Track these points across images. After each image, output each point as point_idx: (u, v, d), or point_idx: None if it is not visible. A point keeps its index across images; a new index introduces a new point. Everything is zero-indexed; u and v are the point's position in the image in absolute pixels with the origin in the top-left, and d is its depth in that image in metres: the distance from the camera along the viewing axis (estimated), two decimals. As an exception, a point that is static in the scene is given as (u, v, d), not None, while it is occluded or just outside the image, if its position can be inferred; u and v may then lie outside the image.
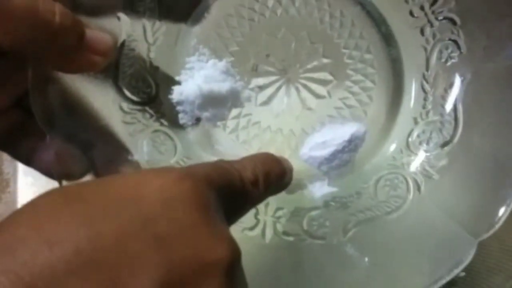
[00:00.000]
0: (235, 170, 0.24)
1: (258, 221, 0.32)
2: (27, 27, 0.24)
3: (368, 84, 0.35)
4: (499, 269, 0.36)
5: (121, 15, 0.32)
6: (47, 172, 0.29)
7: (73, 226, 0.17)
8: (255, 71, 0.35)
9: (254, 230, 0.32)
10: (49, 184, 0.29)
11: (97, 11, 0.31)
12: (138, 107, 0.33)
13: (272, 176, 0.27)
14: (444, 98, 0.34)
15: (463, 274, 0.35)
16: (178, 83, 0.34)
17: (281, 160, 0.29)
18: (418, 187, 0.33)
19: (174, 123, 0.33)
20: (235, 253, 0.19)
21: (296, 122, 0.35)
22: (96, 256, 0.16)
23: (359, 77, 0.35)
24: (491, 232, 0.29)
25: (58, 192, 0.19)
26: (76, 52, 0.26)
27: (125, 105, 0.32)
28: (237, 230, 0.32)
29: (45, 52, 0.25)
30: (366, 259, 0.31)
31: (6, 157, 0.47)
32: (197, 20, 0.35)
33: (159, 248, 0.17)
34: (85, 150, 0.30)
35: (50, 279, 0.15)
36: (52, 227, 0.17)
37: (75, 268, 0.16)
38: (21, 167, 0.46)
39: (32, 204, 0.18)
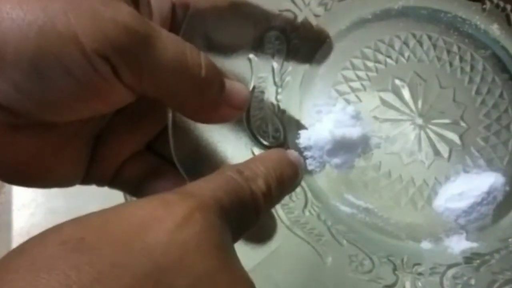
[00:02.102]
0: (245, 182, 0.22)
1: (397, 277, 0.30)
2: (174, 80, 0.23)
3: (504, 132, 0.33)
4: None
5: (252, 56, 0.31)
6: None
7: (82, 284, 0.15)
8: (383, 117, 0.33)
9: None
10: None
11: (230, 53, 0.30)
12: (268, 152, 0.31)
13: (285, 181, 0.25)
14: None
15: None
16: (305, 127, 0.32)
17: (294, 158, 0.27)
18: None
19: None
20: None
21: (428, 172, 0.33)
22: None
23: (493, 124, 0.33)
24: None
25: (54, 236, 0.17)
26: (215, 106, 0.25)
27: (256, 150, 0.31)
28: (378, 287, 0.30)
29: (186, 104, 0.24)
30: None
31: None
32: (322, 62, 0.34)
33: None
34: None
35: None
36: (57, 286, 0.15)
37: None
38: None
39: (28, 254, 0.16)
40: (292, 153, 0.27)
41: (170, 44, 0.23)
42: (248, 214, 0.22)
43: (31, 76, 0.20)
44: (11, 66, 0.20)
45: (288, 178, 0.25)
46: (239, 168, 0.23)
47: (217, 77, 0.25)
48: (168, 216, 0.18)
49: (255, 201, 0.22)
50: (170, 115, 0.27)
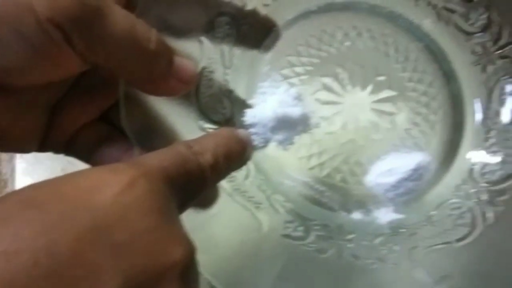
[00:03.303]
0: (193, 156, 0.23)
1: (329, 244, 0.33)
2: (124, 51, 0.25)
3: (431, 116, 0.37)
4: None
5: (203, 38, 0.34)
6: None
7: (31, 235, 0.16)
8: (324, 99, 0.36)
9: (327, 253, 0.33)
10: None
11: (182, 34, 0.33)
12: (215, 127, 0.34)
13: (233, 156, 0.27)
14: (507, 133, 0.35)
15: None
16: (251, 106, 0.35)
17: (243, 136, 0.29)
18: (484, 217, 0.34)
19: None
20: (190, 253, 0.20)
21: (362, 150, 0.36)
22: (55, 268, 0.16)
23: (422, 109, 0.37)
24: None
25: (13, 197, 0.19)
26: (163, 79, 0.27)
27: (203, 124, 0.33)
28: (309, 251, 0.32)
29: (135, 75, 0.26)
30: (436, 284, 0.31)
31: (4, 157, 0.46)
32: (269, 48, 0.37)
33: (116, 257, 0.17)
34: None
35: None
36: (8, 236, 0.16)
37: (35, 281, 0.16)
38: (19, 167, 0.45)
39: None
40: (242, 132, 0.30)
41: (121, 18, 0.25)
42: (194, 184, 0.24)
43: None
44: None
45: (236, 154, 0.27)
46: (189, 143, 0.25)
47: (166, 51, 0.27)
48: (114, 181, 0.19)
49: (202, 172, 0.24)
50: (121, 86, 0.30)
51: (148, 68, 0.26)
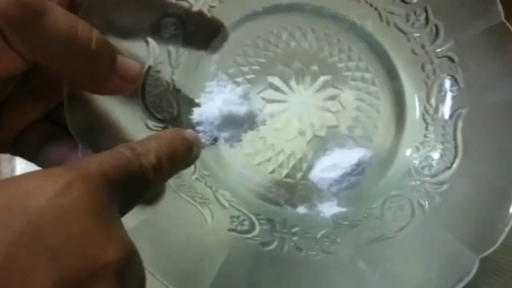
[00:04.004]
0: (135, 157, 0.24)
1: (274, 236, 0.34)
2: (64, 50, 0.25)
3: (374, 113, 0.38)
4: (501, 270, 0.38)
5: (149, 39, 0.35)
6: None
7: None
8: (270, 98, 0.37)
9: (271, 245, 0.34)
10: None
11: (127, 35, 0.34)
12: (162, 125, 0.34)
13: (177, 157, 0.27)
14: (444, 128, 0.37)
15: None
16: (198, 105, 0.36)
17: (189, 136, 0.29)
18: (422, 209, 0.35)
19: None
20: (126, 253, 0.20)
21: (308, 147, 0.37)
22: None
23: (365, 107, 0.38)
24: (492, 250, 0.32)
25: None
26: (106, 78, 0.28)
27: (150, 123, 0.34)
28: (254, 244, 0.33)
29: (76, 74, 0.27)
30: (376, 273, 0.33)
31: (4, 157, 0.47)
32: (217, 48, 0.38)
33: (49, 259, 0.18)
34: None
35: None
36: None
37: None
38: (19, 168, 0.46)
39: None
40: (188, 132, 0.30)
41: (61, 18, 0.25)
42: (137, 185, 0.24)
43: None
44: None
45: (180, 154, 0.28)
46: (132, 145, 0.25)
47: (108, 51, 0.28)
48: (49, 185, 0.19)
49: (144, 173, 0.24)
50: (66, 86, 0.30)
51: (89, 67, 0.27)
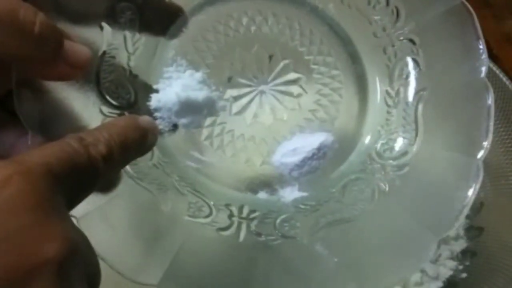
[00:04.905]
0: (83, 148, 0.23)
1: (232, 222, 0.34)
2: (6, 34, 0.24)
3: (336, 97, 0.38)
4: (501, 270, 0.37)
5: (104, 24, 0.34)
6: None
7: None
8: (230, 83, 0.37)
9: (228, 231, 0.33)
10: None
11: (80, 19, 0.33)
12: (118, 111, 0.34)
13: (130, 145, 0.27)
14: (405, 111, 0.37)
15: (464, 275, 0.36)
16: (156, 91, 0.35)
17: (144, 123, 0.29)
18: (383, 192, 0.35)
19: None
20: (67, 249, 0.19)
21: (268, 131, 0.37)
22: None
23: (327, 91, 0.38)
24: (451, 231, 0.31)
25: None
26: (52, 63, 0.27)
27: (105, 109, 0.33)
28: (211, 230, 0.33)
29: (22, 59, 0.26)
30: (335, 257, 0.32)
31: None
32: (175, 34, 0.37)
33: None
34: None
35: None
36: None
37: None
38: None
39: None
40: (143, 119, 0.29)
41: (1, 2, 0.25)
42: (85, 177, 0.23)
43: None
44: None
45: (133, 142, 0.27)
46: (80, 136, 0.24)
47: (53, 35, 0.27)
48: None
49: (93, 164, 0.24)
50: (14, 71, 0.29)
51: (33, 52, 0.26)
